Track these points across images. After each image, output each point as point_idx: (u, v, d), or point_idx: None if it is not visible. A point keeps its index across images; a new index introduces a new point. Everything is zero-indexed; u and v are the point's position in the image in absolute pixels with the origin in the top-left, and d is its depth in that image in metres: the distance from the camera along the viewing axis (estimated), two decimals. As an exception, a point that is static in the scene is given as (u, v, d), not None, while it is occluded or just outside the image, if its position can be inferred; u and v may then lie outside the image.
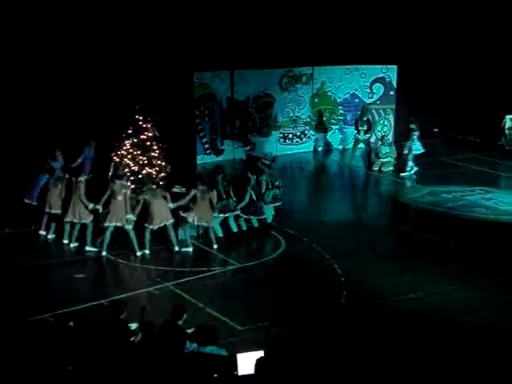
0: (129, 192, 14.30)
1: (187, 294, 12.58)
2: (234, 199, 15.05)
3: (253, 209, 15.30)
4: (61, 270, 13.81)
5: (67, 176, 15.16)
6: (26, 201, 15.45)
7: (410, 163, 20.17)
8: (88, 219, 14.34)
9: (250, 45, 20.98)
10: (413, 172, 20.12)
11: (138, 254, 14.28)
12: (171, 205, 14.38)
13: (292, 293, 12.73)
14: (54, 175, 15.54)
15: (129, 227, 14.22)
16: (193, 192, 14.51)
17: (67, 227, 14.63)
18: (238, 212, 15.17)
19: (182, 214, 14.44)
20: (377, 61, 22.83)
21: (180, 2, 20.28)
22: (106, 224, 14.14)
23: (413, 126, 20.51)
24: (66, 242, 14.67)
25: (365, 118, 21.29)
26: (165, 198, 14.37)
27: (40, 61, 18.98)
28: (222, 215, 15.00)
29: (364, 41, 22.22)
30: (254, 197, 15.24)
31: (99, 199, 14.28)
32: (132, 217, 14.18)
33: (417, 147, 20.34)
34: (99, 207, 14.24)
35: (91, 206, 14.26)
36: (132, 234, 14.27)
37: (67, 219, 14.42)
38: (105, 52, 19.38)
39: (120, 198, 14.14)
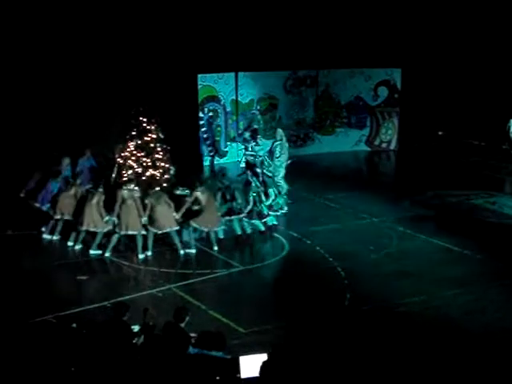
0: (137, 195, 14.28)
1: (190, 296, 12.56)
2: (239, 202, 15.03)
3: (256, 212, 15.26)
4: (64, 271, 13.81)
5: (79, 183, 15.07)
6: (37, 205, 15.30)
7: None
8: (103, 228, 14.31)
9: (254, 47, 21.00)
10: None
11: (141, 256, 14.27)
12: (176, 214, 14.38)
13: (295, 295, 12.69)
14: (62, 181, 15.46)
15: (137, 233, 14.22)
16: (194, 194, 14.51)
17: (76, 232, 14.61)
18: (244, 215, 15.13)
19: (193, 224, 14.44)
20: (381, 64, 22.82)
21: (184, 5, 20.30)
22: (120, 231, 14.17)
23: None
24: (70, 244, 14.66)
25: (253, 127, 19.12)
26: (169, 204, 14.38)
27: (45, 63, 19.02)
28: (227, 217, 14.97)
29: (368, 44, 22.22)
30: (256, 199, 15.20)
31: (108, 205, 14.30)
32: (146, 219, 14.17)
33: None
34: (114, 219, 14.21)
35: (106, 218, 14.24)
36: (139, 238, 14.27)
37: (83, 228, 14.33)
38: (109, 54, 19.42)
39: (130, 203, 14.15)
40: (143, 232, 14.28)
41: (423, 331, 11.23)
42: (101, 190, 14.37)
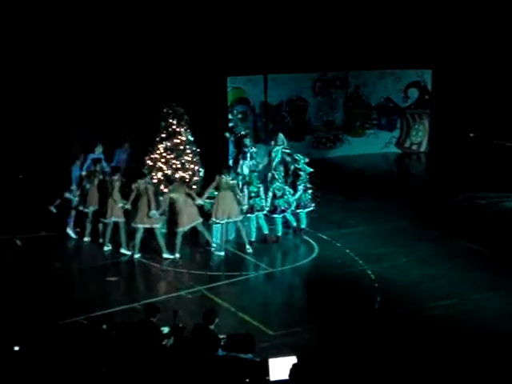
0: (151, 188, 14.20)
1: (220, 298, 12.56)
2: (263, 198, 14.96)
3: (280, 207, 15.16)
4: (94, 273, 13.90)
5: (99, 169, 15.09)
6: (67, 195, 15.41)
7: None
8: (121, 219, 14.35)
9: (283, 49, 20.96)
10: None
11: (165, 256, 14.23)
12: (200, 201, 14.34)
13: (325, 298, 12.63)
14: (86, 165, 15.60)
15: (157, 226, 14.17)
16: (217, 178, 14.38)
17: (100, 227, 14.71)
18: (265, 212, 15.00)
19: (213, 219, 14.38)
20: (411, 65, 22.65)
21: (213, 8, 20.33)
22: (136, 225, 14.15)
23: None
24: (101, 241, 14.75)
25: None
26: (189, 195, 14.30)
27: (74, 64, 19.17)
28: (250, 215, 14.84)
29: (398, 45, 22.07)
30: (277, 194, 15.04)
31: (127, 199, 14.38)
32: (156, 213, 14.05)
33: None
34: (128, 206, 14.23)
35: (121, 204, 14.28)
36: (159, 234, 14.23)
37: (106, 220, 14.42)
38: (139, 56, 19.51)
39: (145, 196, 14.12)
40: (157, 225, 14.15)
41: (454, 335, 11.10)
42: (116, 177, 14.39)
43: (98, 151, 16.31)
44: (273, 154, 17.33)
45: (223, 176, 14.41)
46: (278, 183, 15.11)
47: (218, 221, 14.41)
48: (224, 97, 20.99)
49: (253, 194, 14.81)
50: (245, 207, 14.66)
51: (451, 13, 22.83)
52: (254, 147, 17.23)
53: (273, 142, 17.14)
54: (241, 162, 16.98)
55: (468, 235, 15.45)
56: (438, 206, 17.79)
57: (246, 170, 16.58)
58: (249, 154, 16.83)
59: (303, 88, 22.22)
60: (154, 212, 14.03)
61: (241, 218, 14.59)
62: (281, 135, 17.66)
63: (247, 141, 17.13)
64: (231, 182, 14.50)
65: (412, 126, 23.35)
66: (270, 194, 15.02)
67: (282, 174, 15.42)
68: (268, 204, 15.00)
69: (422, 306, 12.14)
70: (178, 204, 14.19)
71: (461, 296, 12.51)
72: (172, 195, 14.26)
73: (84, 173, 15.29)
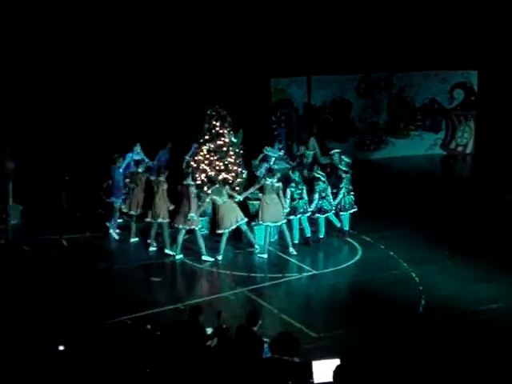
0: (193, 190, 14.21)
1: (263, 299, 12.58)
2: (305, 201, 14.92)
3: (324, 208, 15.13)
4: (138, 273, 14.02)
5: (141, 170, 15.14)
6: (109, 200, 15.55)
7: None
8: (166, 219, 14.41)
9: (327, 50, 20.89)
10: None
11: (204, 258, 14.21)
12: (239, 196, 14.36)
13: (368, 301, 12.55)
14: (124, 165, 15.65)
15: (196, 228, 14.20)
16: (262, 181, 14.44)
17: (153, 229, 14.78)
18: (308, 214, 14.99)
19: (260, 222, 14.41)
20: (457, 66, 22.39)
21: (257, 9, 20.37)
22: (178, 226, 14.20)
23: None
24: (149, 241, 14.80)
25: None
26: (231, 196, 14.34)
27: (118, 65, 19.39)
28: (292, 217, 14.76)
29: (444, 46, 21.82)
30: (322, 195, 15.05)
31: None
32: (194, 216, 14.08)
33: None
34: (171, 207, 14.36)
35: (172, 207, 14.35)
36: (199, 236, 14.25)
37: (152, 220, 14.54)
38: (183, 57, 19.65)
39: (185, 198, 14.13)
40: (197, 227, 14.19)
41: (501, 340, 10.92)
42: (162, 178, 14.46)
43: (137, 150, 16.38)
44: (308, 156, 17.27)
45: (268, 179, 14.41)
46: (322, 184, 15.04)
47: (263, 223, 14.41)
48: (267, 98, 21.01)
49: (296, 196, 14.75)
50: (287, 210, 14.63)
51: (497, 13, 22.48)
52: (281, 151, 17.23)
53: (302, 148, 17.24)
54: (263, 164, 16.83)
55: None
56: (483, 208, 17.53)
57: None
58: (273, 159, 16.72)
59: (347, 89, 22.09)
60: (192, 215, 14.06)
61: (285, 220, 14.57)
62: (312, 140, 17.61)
63: (276, 144, 17.20)
64: (276, 184, 14.47)
65: (457, 127, 23.07)
66: (316, 195, 14.97)
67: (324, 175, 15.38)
68: (313, 206, 14.95)
69: (467, 310, 11.99)
70: (219, 206, 14.24)
71: (507, 300, 12.30)
72: (213, 197, 14.30)
73: (127, 173, 15.42)
